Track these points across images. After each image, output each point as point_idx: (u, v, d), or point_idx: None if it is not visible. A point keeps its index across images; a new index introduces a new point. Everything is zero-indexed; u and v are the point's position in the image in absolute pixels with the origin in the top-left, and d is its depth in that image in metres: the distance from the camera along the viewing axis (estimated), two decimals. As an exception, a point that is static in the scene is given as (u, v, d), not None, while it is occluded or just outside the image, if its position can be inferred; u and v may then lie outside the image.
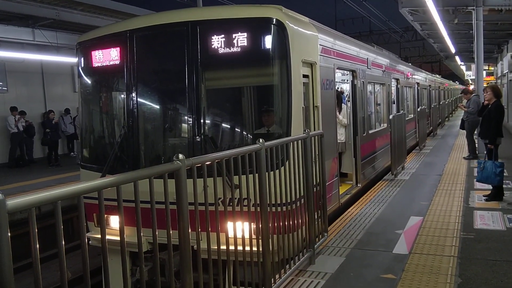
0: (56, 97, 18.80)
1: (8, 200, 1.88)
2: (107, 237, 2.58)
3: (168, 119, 6.16)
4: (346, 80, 10.29)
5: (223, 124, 6.08)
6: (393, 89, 13.20)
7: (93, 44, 6.37)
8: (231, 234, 3.64)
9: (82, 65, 6.58)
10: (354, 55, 8.83)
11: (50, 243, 7.39)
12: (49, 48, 16.25)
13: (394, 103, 13.35)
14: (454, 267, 4.84)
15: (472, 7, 13.57)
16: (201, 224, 3.31)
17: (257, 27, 5.57)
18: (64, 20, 15.53)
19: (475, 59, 14.00)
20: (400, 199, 8.16)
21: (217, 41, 5.52)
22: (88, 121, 6.85)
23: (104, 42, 6.25)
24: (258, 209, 4.01)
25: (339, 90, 9.77)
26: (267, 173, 4.05)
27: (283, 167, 4.47)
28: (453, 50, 24.89)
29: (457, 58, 31.90)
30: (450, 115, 32.37)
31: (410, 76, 16.54)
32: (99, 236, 2.62)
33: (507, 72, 21.60)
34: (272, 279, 4.18)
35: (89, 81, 6.75)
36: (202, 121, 5.67)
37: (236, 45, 5.44)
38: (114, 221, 5.87)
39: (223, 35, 5.49)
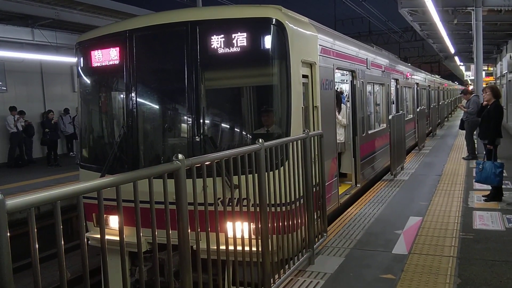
0: (55, 97, 18.79)
1: (8, 200, 1.88)
2: (106, 237, 2.58)
3: (168, 119, 6.16)
4: (345, 80, 10.29)
5: (222, 124, 6.08)
6: (393, 89, 13.20)
7: (93, 44, 6.37)
8: (230, 234, 3.64)
9: (82, 65, 6.58)
10: (354, 55, 8.83)
11: (50, 243, 7.39)
12: (48, 48, 16.24)
13: (393, 103, 13.35)
14: (453, 267, 4.85)
15: (471, 8, 13.58)
16: (200, 224, 3.31)
17: (256, 27, 5.58)
18: (63, 20, 15.52)
19: (475, 60, 14.01)
20: (400, 200, 8.16)
21: (216, 41, 5.52)
22: (88, 121, 6.84)
23: (104, 42, 6.25)
24: (258, 209, 4.00)
25: (338, 90, 9.78)
26: (266, 173, 4.05)
27: (282, 167, 4.47)
28: (452, 50, 24.90)
29: (456, 58, 31.94)
30: (450, 116, 32.38)
31: (410, 76, 16.55)
32: (99, 236, 2.62)
33: (506, 72, 21.61)
34: (272, 279, 4.18)
35: (88, 81, 6.75)
36: (201, 121, 5.67)
37: (235, 45, 5.44)
38: (114, 221, 5.87)
39: (222, 35, 5.49)
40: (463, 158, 12.56)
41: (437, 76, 34.63)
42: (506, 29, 18.83)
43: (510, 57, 19.81)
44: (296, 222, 4.80)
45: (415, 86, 18.05)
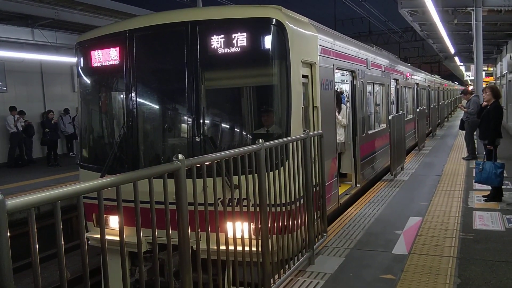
0: (55, 97, 18.78)
1: (8, 200, 1.88)
2: (106, 237, 2.58)
3: (168, 119, 6.16)
4: (345, 81, 10.29)
5: (222, 124, 6.08)
6: (393, 89, 13.20)
7: (93, 44, 6.37)
8: (230, 235, 3.64)
9: (82, 65, 6.58)
10: (354, 56, 8.83)
11: (49, 242, 7.39)
12: (48, 48, 16.24)
13: (393, 104, 13.36)
14: (453, 268, 4.85)
15: (471, 8, 13.58)
16: (200, 224, 3.31)
17: (256, 27, 5.58)
18: (63, 20, 15.52)
19: (474, 60, 14.01)
20: (400, 200, 8.16)
21: (216, 41, 5.52)
22: (88, 121, 6.84)
23: (104, 42, 6.25)
24: (258, 209, 4.00)
25: (338, 90, 9.78)
26: (266, 173, 4.05)
27: (282, 167, 4.47)
28: (452, 50, 24.90)
29: (456, 58, 31.93)
30: (449, 116, 32.39)
31: (410, 76, 16.55)
32: (99, 236, 2.62)
33: (506, 72, 21.62)
34: (272, 279, 4.18)
35: (88, 81, 6.74)
36: (201, 121, 5.67)
37: (235, 45, 5.45)
38: (114, 221, 5.87)
39: (222, 35, 5.50)
40: (463, 158, 12.56)
41: (437, 76, 34.63)
42: (506, 29, 18.83)
43: (510, 57, 19.81)
44: (296, 222, 4.80)
45: (415, 86, 18.06)
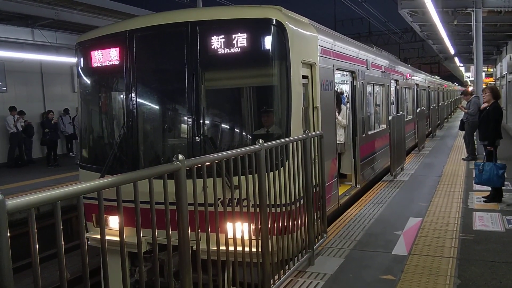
0: (55, 97, 18.78)
1: (8, 200, 1.88)
2: (106, 237, 2.58)
3: (168, 119, 6.16)
4: (345, 81, 10.29)
5: (222, 125, 6.08)
6: (392, 90, 13.20)
7: (93, 44, 6.37)
8: (230, 235, 3.64)
9: (82, 65, 6.58)
10: (354, 56, 8.83)
11: (49, 243, 7.38)
12: (48, 48, 16.24)
13: (393, 104, 13.36)
14: (453, 268, 4.85)
15: (471, 9, 13.58)
16: (200, 225, 3.31)
17: (256, 27, 5.58)
18: (63, 20, 15.52)
19: (474, 61, 14.00)
20: (399, 200, 8.16)
21: (216, 42, 5.52)
22: (88, 121, 6.84)
23: (104, 42, 6.25)
24: (258, 209, 4.00)
25: (338, 91, 9.78)
26: (266, 173, 4.05)
27: (282, 168, 4.47)
28: (452, 51, 24.89)
29: (456, 59, 31.92)
30: (449, 116, 32.40)
31: (409, 77, 16.56)
32: (98, 236, 2.62)
33: (506, 73, 21.63)
34: (272, 280, 4.18)
35: (88, 81, 6.74)
36: (201, 121, 5.67)
37: (235, 45, 5.44)
38: (113, 221, 5.86)
39: (222, 36, 5.49)
40: (462, 159, 12.57)
41: (437, 77, 34.64)
42: (506, 30, 18.83)
43: (510, 58, 19.82)
44: (296, 222, 4.80)
45: (415, 87, 18.06)
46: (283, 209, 4.46)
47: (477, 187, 8.49)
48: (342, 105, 9.37)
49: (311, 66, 6.35)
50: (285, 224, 4.57)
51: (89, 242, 5.89)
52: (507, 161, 8.04)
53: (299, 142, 4.81)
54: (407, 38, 42.37)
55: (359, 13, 30.10)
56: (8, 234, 1.87)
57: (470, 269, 4.83)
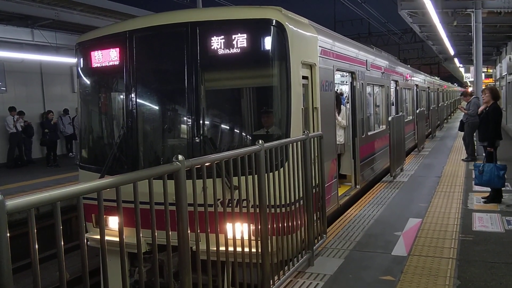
0: (55, 97, 18.77)
1: (8, 201, 1.88)
2: (106, 238, 2.58)
3: (168, 120, 6.16)
4: (345, 82, 10.30)
5: (222, 125, 6.08)
6: (392, 91, 13.21)
7: (93, 45, 6.36)
8: (230, 236, 3.64)
9: (82, 66, 6.58)
10: (353, 57, 8.83)
11: (49, 243, 7.38)
12: (48, 48, 16.23)
13: (393, 105, 13.36)
14: (452, 269, 4.85)
15: (471, 10, 13.58)
16: (200, 225, 3.30)
17: (256, 28, 5.58)
18: (63, 21, 15.51)
19: (474, 61, 14.01)
20: (399, 201, 8.16)
21: (216, 42, 5.52)
22: (87, 121, 6.84)
23: (104, 43, 6.25)
24: (257, 210, 4.00)
25: (338, 91, 9.78)
26: (266, 174, 4.04)
27: (282, 168, 4.47)
28: (452, 52, 24.89)
29: (456, 60, 31.93)
30: (449, 117, 32.41)
31: (409, 78, 16.57)
32: (98, 236, 2.62)
33: (506, 74, 21.63)
34: (271, 281, 4.17)
35: (88, 82, 6.74)
36: (201, 122, 5.67)
37: (235, 46, 5.44)
38: (113, 222, 5.86)
39: (222, 36, 5.49)
40: (462, 159, 12.57)
41: (436, 77, 34.64)
42: (506, 31, 18.83)
43: (510, 59, 19.83)
44: (296, 223, 4.80)
45: (415, 88, 18.07)
46: (283, 209, 4.47)
47: (476, 188, 8.48)
48: (342, 105, 9.37)
49: (311, 66, 6.35)
50: (285, 224, 4.57)
51: (88, 243, 5.88)
52: (507, 162, 8.03)
53: (299, 142, 4.81)
54: (406, 39, 42.38)
55: (359, 14, 30.13)
56: (8, 235, 1.87)
57: (469, 270, 4.83)
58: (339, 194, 7.60)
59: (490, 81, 29.41)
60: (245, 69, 5.87)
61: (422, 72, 24.24)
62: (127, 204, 2.67)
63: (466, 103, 13.30)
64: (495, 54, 26.19)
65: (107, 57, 6.17)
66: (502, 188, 7.78)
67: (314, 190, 5.16)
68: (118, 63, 6.09)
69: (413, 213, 7.23)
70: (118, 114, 6.49)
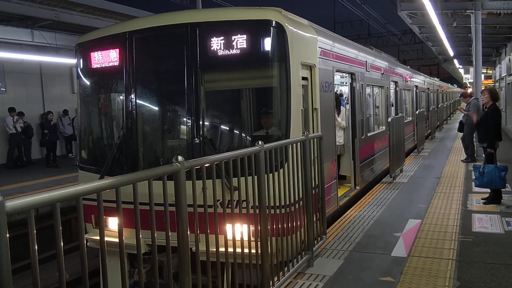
0: (54, 98, 18.77)
1: (7, 202, 1.87)
2: (106, 238, 2.58)
3: (167, 120, 6.16)
4: (345, 83, 10.30)
5: (222, 126, 6.08)
6: (392, 91, 13.22)
7: (93, 46, 6.36)
8: (230, 236, 3.64)
9: (81, 67, 6.58)
10: (353, 58, 8.84)
11: (48, 244, 7.37)
12: (48, 49, 16.23)
13: (392, 106, 13.37)
14: (452, 270, 4.85)
15: (470, 11, 13.60)
16: (200, 226, 3.30)
17: (256, 29, 5.58)
18: (63, 21, 15.51)
19: (474, 62, 14.03)
20: (399, 202, 8.16)
21: (216, 43, 5.52)
22: (87, 122, 6.83)
23: (104, 44, 6.25)
24: (257, 211, 4.00)
25: (338, 92, 9.79)
26: (266, 175, 4.04)
27: (282, 169, 4.47)
28: (451, 53, 24.91)
29: (455, 61, 31.95)
30: (448, 118, 32.42)
31: (409, 79, 16.57)
32: (97, 237, 2.62)
33: (505, 75, 21.64)
34: (271, 282, 4.17)
35: (88, 83, 6.74)
36: (201, 123, 5.67)
37: (235, 47, 5.45)
38: (113, 222, 5.85)
39: (222, 37, 5.50)
40: (462, 160, 12.57)
41: (436, 78, 34.65)
42: (505, 32, 18.85)
43: (509, 60, 19.84)
44: (296, 224, 4.79)
45: (414, 89, 18.07)
46: (283, 210, 4.46)
47: (476, 189, 8.48)
48: (341, 106, 9.38)
49: (310, 67, 6.36)
50: (285, 225, 4.57)
51: (88, 244, 5.88)
52: (507, 163, 8.03)
53: (299, 143, 4.82)
54: (406, 40, 42.41)
55: (358, 15, 30.12)
56: (7, 235, 1.87)
57: (469, 271, 4.83)
58: (338, 195, 7.60)
59: (489, 82, 29.42)
60: (244, 70, 5.87)
61: (421, 73, 24.24)
62: (127, 205, 2.67)
63: (465, 104, 13.31)
64: (494, 55, 26.23)
65: (107, 58, 6.17)
66: (502, 189, 7.78)
67: (313, 191, 5.16)
68: (118, 64, 6.09)
69: (413, 214, 7.23)
70: (117, 115, 6.49)
